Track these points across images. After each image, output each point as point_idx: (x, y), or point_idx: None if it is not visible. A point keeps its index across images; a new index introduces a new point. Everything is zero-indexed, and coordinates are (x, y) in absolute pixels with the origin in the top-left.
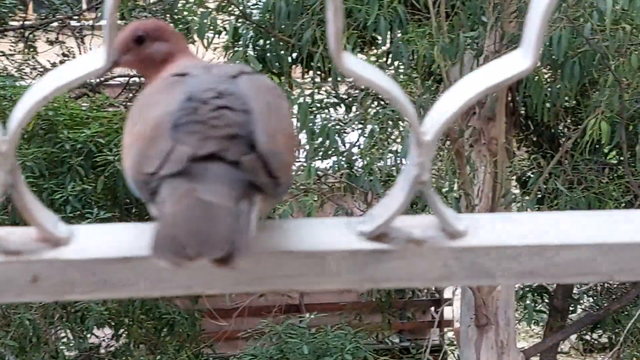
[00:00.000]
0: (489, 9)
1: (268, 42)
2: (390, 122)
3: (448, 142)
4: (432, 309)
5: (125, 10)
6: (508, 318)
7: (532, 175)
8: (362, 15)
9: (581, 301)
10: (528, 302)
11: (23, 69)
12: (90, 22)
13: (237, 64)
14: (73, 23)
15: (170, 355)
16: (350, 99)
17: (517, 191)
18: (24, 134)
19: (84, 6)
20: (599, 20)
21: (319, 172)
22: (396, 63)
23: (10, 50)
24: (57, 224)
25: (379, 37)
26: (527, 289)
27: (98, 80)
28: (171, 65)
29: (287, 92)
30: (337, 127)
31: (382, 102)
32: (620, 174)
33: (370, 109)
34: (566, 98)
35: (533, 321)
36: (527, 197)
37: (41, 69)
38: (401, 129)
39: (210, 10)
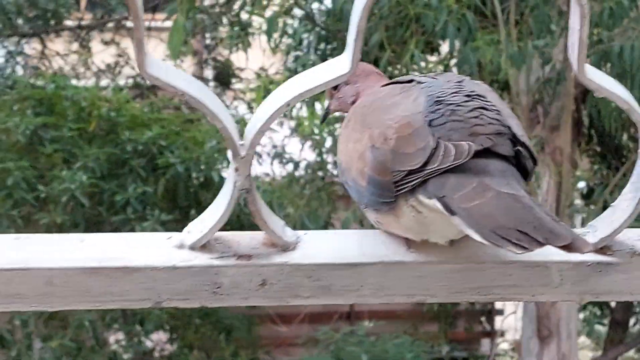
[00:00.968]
0: (557, 17)
1: (329, 46)
2: None
3: None
4: (484, 319)
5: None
6: (570, 330)
7: (594, 186)
8: (430, 21)
9: None
10: (588, 313)
11: (77, 69)
12: (147, 24)
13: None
14: (129, 24)
15: None
16: None
17: (578, 202)
18: (85, 135)
19: None
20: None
21: None
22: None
23: (65, 50)
24: (285, 229)
25: (441, 43)
26: (588, 301)
27: None
28: (372, 91)
29: None
30: None
31: None
32: None
33: None
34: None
35: (593, 334)
36: (592, 207)
37: (95, 70)
38: None
39: (276, 12)
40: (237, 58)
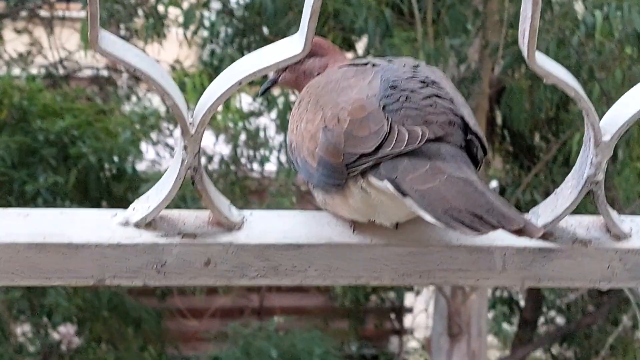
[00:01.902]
0: (473, 17)
1: (247, 39)
2: None
3: None
4: (393, 316)
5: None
6: (480, 328)
7: (506, 185)
8: (348, 18)
9: (549, 314)
10: (497, 312)
11: None
12: (61, 13)
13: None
14: (43, 13)
15: (133, 354)
16: None
17: None
18: None
19: None
20: (585, 34)
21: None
22: None
23: None
24: (231, 208)
25: (357, 39)
26: (497, 299)
27: (66, 72)
28: (325, 72)
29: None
30: None
31: None
32: None
33: None
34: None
35: (501, 334)
36: None
37: (7, 59)
38: None
39: (193, 4)
40: (152, 50)
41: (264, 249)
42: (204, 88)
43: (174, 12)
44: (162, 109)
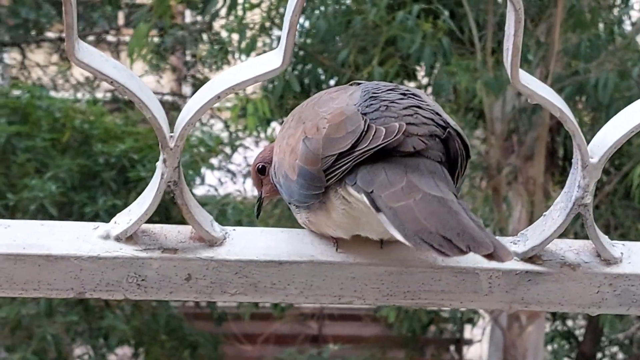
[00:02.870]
0: (536, 47)
1: (307, 66)
2: None
3: (484, 180)
4: (453, 348)
5: (166, 29)
6: None
7: None
8: (406, 44)
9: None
10: (556, 346)
11: (56, 80)
12: (127, 38)
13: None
14: (109, 38)
15: None
16: None
17: None
18: (58, 145)
19: (121, 22)
20: None
21: None
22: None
23: (44, 61)
24: (213, 224)
25: (418, 69)
26: (556, 332)
27: None
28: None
29: None
30: None
31: None
32: None
33: None
34: None
35: None
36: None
37: (74, 82)
38: None
39: (255, 32)
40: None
41: (244, 265)
42: (264, 114)
43: (237, 37)
44: (224, 135)
